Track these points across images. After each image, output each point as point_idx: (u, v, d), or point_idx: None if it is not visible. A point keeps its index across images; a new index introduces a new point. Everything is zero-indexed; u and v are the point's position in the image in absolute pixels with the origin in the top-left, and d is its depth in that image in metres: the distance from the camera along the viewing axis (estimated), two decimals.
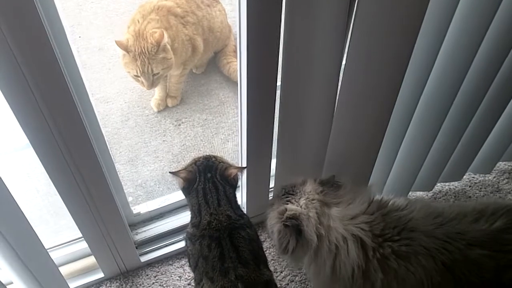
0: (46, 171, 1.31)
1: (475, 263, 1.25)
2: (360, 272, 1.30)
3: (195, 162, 1.42)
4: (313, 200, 1.37)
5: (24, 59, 1.04)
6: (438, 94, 1.48)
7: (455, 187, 2.11)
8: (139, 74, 2.27)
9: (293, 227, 1.33)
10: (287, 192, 1.43)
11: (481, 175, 2.15)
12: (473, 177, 2.15)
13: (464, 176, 2.09)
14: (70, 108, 1.18)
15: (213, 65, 2.75)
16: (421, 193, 2.05)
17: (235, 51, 2.70)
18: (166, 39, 2.23)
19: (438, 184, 2.06)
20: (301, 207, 1.36)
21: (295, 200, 1.39)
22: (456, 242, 1.26)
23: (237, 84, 1.44)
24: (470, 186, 2.11)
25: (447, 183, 2.11)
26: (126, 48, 2.21)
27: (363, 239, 1.29)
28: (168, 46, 2.26)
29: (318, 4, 1.14)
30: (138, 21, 2.28)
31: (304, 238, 1.34)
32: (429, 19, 1.20)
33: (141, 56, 2.21)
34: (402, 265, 1.27)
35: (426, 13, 1.15)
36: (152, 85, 2.32)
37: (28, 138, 1.20)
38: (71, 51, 1.19)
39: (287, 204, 1.39)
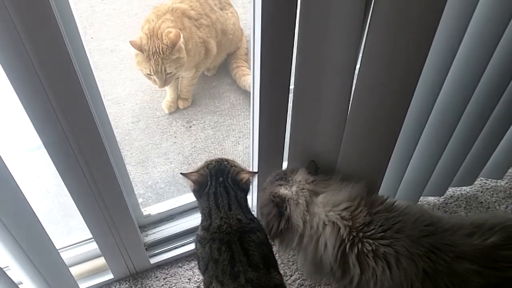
0: (58, 172, 1.32)
1: (461, 277, 1.21)
2: (337, 263, 1.31)
3: (207, 165, 1.41)
4: (303, 189, 1.39)
5: (38, 59, 1.04)
6: (452, 99, 1.47)
7: (467, 192, 2.09)
8: (152, 73, 2.27)
9: (278, 206, 1.37)
10: (280, 178, 1.45)
11: (493, 180, 2.14)
12: (485, 182, 2.13)
13: (476, 181, 2.08)
14: (83, 108, 1.18)
15: (224, 67, 2.75)
16: (432, 198, 2.04)
17: (246, 54, 2.71)
18: (182, 39, 2.23)
19: (450, 189, 2.04)
20: (292, 193, 1.39)
21: (288, 186, 1.42)
22: (442, 253, 1.24)
23: (250, 86, 1.44)
24: (481, 192, 2.10)
25: (458, 188, 2.09)
26: (140, 48, 2.21)
27: (340, 228, 1.30)
28: (183, 46, 2.26)
29: (333, 6, 1.13)
30: (153, 20, 2.28)
31: (291, 223, 1.36)
32: (445, 22, 1.19)
33: (155, 56, 2.21)
34: (380, 265, 1.26)
35: (443, 17, 1.14)
36: (164, 83, 2.32)
37: (41, 139, 1.21)
38: (85, 52, 1.19)
39: (280, 187, 1.42)
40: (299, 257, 1.43)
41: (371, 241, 1.28)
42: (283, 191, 1.40)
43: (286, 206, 1.37)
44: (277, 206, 1.37)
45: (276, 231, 1.39)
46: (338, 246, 1.30)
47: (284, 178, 1.45)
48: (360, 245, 1.29)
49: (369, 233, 1.29)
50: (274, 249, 1.42)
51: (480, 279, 1.21)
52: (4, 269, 1.26)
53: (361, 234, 1.29)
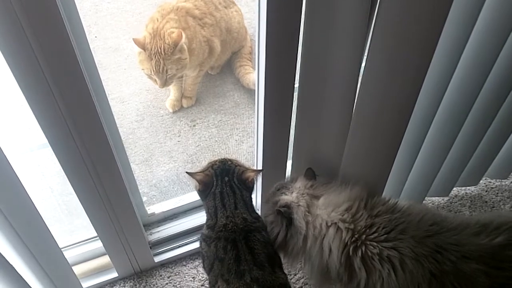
0: (63, 170, 1.32)
1: (468, 277, 1.20)
2: (343, 267, 1.30)
3: (212, 165, 1.41)
4: (303, 194, 1.40)
5: (44, 57, 1.04)
6: (457, 99, 1.47)
7: (471, 191, 2.09)
8: (152, 74, 2.27)
9: (285, 213, 1.36)
10: (281, 188, 1.47)
11: (498, 180, 2.13)
12: (489, 182, 2.13)
13: (481, 181, 2.07)
14: (89, 107, 1.18)
15: (228, 66, 2.75)
16: (437, 197, 2.04)
17: (250, 53, 2.70)
18: (184, 39, 2.23)
19: (454, 189, 2.04)
20: (293, 198, 1.40)
21: (288, 193, 1.43)
22: (448, 253, 1.23)
23: (253, 84, 1.44)
24: (486, 191, 2.09)
25: (463, 188, 2.09)
26: (143, 46, 2.22)
27: (342, 230, 1.30)
28: (185, 46, 2.26)
29: (338, 5, 1.13)
30: (157, 20, 2.29)
31: (294, 226, 1.36)
32: (451, 21, 1.18)
33: (156, 56, 2.22)
34: (385, 268, 1.25)
35: (449, 15, 1.13)
36: (165, 84, 2.32)
37: (47, 137, 1.21)
38: (90, 50, 1.19)
39: (281, 195, 1.43)
40: (306, 268, 1.42)
41: (375, 244, 1.28)
42: (284, 197, 1.41)
43: (292, 210, 1.37)
44: (285, 214, 1.36)
45: (281, 238, 1.39)
46: (342, 249, 1.30)
47: (285, 187, 1.46)
48: (363, 248, 1.28)
49: (372, 236, 1.29)
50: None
51: (487, 280, 1.20)
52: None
53: (363, 237, 1.29)
